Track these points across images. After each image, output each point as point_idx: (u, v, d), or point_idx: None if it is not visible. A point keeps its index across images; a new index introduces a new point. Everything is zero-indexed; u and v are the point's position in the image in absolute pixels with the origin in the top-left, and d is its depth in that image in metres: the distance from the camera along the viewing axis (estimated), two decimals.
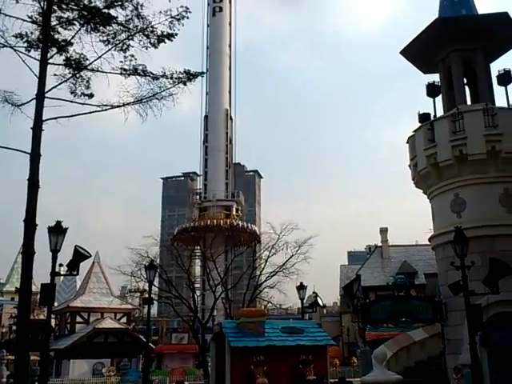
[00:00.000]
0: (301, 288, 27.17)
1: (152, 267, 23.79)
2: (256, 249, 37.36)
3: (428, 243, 22.03)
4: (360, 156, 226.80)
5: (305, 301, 28.48)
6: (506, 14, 19.94)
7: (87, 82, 16.39)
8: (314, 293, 33.83)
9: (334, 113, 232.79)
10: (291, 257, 30.33)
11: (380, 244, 46.50)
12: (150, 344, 34.10)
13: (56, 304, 38.54)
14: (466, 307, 15.31)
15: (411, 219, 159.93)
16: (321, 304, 32.88)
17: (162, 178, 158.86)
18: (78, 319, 39.23)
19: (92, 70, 16.18)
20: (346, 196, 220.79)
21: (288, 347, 15.40)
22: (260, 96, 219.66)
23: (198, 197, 62.29)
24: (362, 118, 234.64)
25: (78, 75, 16.23)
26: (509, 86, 20.57)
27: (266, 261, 31.69)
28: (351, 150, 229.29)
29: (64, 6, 15.80)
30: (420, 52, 21.52)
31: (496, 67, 21.36)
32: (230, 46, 63.69)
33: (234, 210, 59.38)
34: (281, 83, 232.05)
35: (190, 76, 16.63)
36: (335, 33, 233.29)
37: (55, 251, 14.10)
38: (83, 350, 36.05)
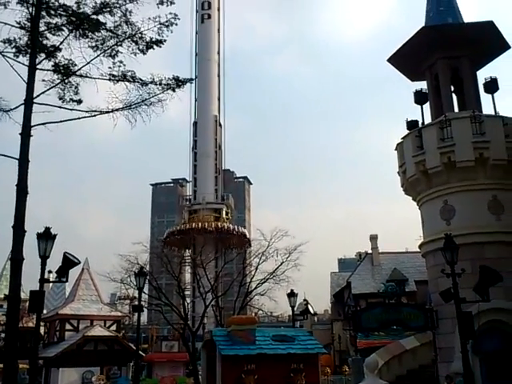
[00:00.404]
0: (291, 295, 27.02)
1: (142, 274, 23.56)
2: (246, 255, 37.23)
3: (418, 250, 22.03)
4: (349, 162, 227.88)
5: (296, 308, 28.34)
6: (492, 22, 20.10)
7: (76, 87, 16.29)
8: (304, 300, 33.64)
9: (324, 119, 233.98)
10: (281, 264, 30.19)
11: (370, 251, 46.46)
12: (140, 352, 33.71)
13: (45, 311, 38.02)
14: (457, 315, 15.26)
15: (401, 226, 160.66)
16: (312, 312, 32.69)
17: (152, 184, 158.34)
18: (68, 327, 38.71)
19: (81, 76, 16.07)
20: (336, 203, 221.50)
21: (279, 355, 15.22)
22: (249, 103, 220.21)
23: (187, 200, 62.35)
24: (351, 124, 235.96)
25: (66, 81, 16.12)
26: (495, 94, 20.71)
27: (257, 268, 31.54)
28: (340, 156, 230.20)
29: (52, 12, 15.68)
30: (407, 60, 21.62)
31: (483, 75, 21.56)
32: (218, 53, 63.78)
33: (224, 212, 59.46)
34: (270, 90, 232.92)
35: (178, 82, 16.57)
36: (324, 40, 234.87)
37: (44, 258, 13.90)
38: (72, 358, 35.55)
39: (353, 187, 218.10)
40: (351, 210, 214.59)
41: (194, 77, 55.95)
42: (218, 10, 65.10)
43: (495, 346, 17.24)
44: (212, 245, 50.67)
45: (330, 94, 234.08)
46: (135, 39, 16.18)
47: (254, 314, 36.48)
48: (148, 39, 16.26)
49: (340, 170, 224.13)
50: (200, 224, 55.60)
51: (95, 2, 15.81)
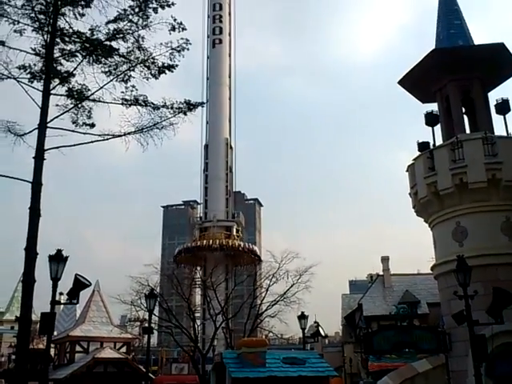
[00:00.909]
0: (302, 317, 26.80)
1: (152, 296, 23.54)
2: (257, 277, 37.05)
3: (430, 272, 21.80)
4: (361, 184, 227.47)
5: (306, 330, 28.08)
6: (503, 44, 20.15)
7: (89, 112, 16.53)
8: (315, 322, 33.39)
9: (336, 141, 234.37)
10: (292, 286, 30.11)
11: (381, 273, 46.08)
12: (150, 374, 33.47)
13: (55, 333, 38.03)
14: (470, 338, 15.04)
15: (413, 248, 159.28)
16: (322, 334, 32.37)
17: (163, 207, 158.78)
18: (78, 348, 38.61)
19: (94, 101, 16.32)
20: (347, 224, 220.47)
21: (290, 378, 15.09)
22: (260, 124, 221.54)
23: (198, 219, 62.70)
24: (364, 145, 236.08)
25: (79, 105, 16.37)
26: (507, 115, 20.67)
27: (267, 290, 31.44)
28: (352, 177, 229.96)
29: (67, 39, 16.00)
30: (417, 82, 21.68)
31: (494, 96, 21.53)
32: (229, 77, 64.42)
33: (235, 230, 59.52)
34: (280, 112, 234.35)
35: (190, 106, 16.75)
36: (334, 63, 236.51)
37: (55, 280, 13.97)
38: (82, 380, 35.34)
39: (364, 209, 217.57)
40: (362, 231, 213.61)
41: (205, 100, 56.62)
42: (229, 34, 65.96)
43: (509, 370, 16.91)
44: (222, 263, 50.82)
45: (341, 115, 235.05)
46: (147, 64, 16.44)
47: (264, 337, 36.25)
48: (160, 64, 16.52)
49: (351, 191, 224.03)
50: (211, 241, 55.83)
51: (108, 29, 16.14)
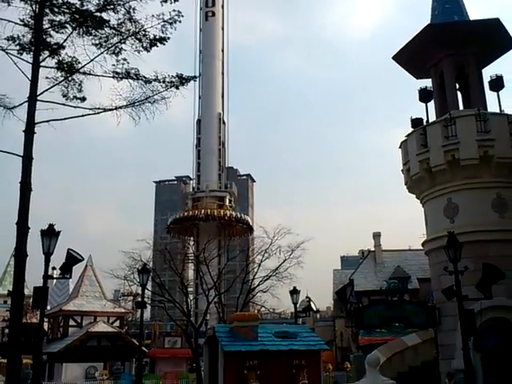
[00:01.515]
0: (294, 292, 27.03)
1: (145, 271, 23.61)
2: (249, 253, 37.20)
3: (421, 248, 22.00)
4: (355, 161, 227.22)
5: (298, 305, 28.34)
6: (498, 20, 20.00)
7: (79, 85, 16.33)
8: (307, 297, 33.63)
9: (330, 117, 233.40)
10: (284, 261, 30.18)
11: (373, 249, 46.44)
12: (143, 348, 33.81)
13: (49, 307, 38.21)
14: (459, 312, 15.25)
15: (405, 224, 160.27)
16: (314, 309, 32.72)
17: (155, 182, 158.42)
18: (71, 323, 38.93)
19: (84, 74, 16.11)
20: (340, 201, 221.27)
21: (281, 352, 15.29)
22: (253, 100, 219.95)
23: (191, 189, 63.34)
24: (357, 122, 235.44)
25: (70, 78, 16.16)
26: (501, 92, 20.64)
27: (259, 265, 31.54)
28: (346, 154, 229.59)
29: (56, 10, 15.70)
30: (412, 57, 21.55)
31: (488, 73, 21.47)
32: (222, 51, 63.84)
33: (227, 200, 60.23)
34: (275, 88, 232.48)
35: (182, 80, 16.58)
36: (329, 38, 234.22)
37: (48, 254, 13.97)
38: (76, 353, 35.72)
39: (357, 186, 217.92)
40: (357, 210, 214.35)
41: (197, 74, 56.08)
42: (222, 7, 65.12)
43: (497, 344, 17.23)
44: (215, 235, 51.42)
45: (336, 92, 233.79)
46: (139, 37, 16.20)
47: (256, 311, 36.50)
48: (152, 37, 16.28)
49: (345, 168, 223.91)
50: (203, 211, 56.41)
51: (99, 0, 15.84)
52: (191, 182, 65.35)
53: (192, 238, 55.87)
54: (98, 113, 15.83)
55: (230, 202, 60.87)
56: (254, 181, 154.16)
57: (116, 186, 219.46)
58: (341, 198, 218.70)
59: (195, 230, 55.62)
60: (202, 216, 55.93)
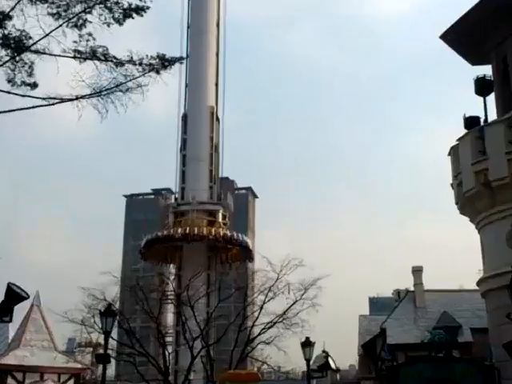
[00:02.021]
0: (307, 345, 26.99)
1: (110, 314, 23.66)
2: (248, 291, 37.20)
3: (476, 288, 21.95)
4: (386, 172, 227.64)
5: (312, 362, 28.32)
6: None
7: (30, 67, 16.43)
8: (323, 352, 33.65)
9: (352, 113, 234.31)
10: (294, 303, 30.31)
11: (412, 288, 46.38)
12: None
13: None
14: None
15: (454, 256, 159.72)
16: (333, 367, 32.73)
17: (126, 196, 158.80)
18: (10, 381, 38.84)
19: (36, 52, 16.21)
20: (368, 223, 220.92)
21: None
22: (258, 91, 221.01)
23: (173, 199, 62.82)
24: (387, 122, 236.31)
25: (18, 58, 16.27)
26: None
27: (261, 307, 31.65)
28: (375, 163, 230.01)
29: None
30: (466, 37, 21.68)
31: None
32: (217, 25, 64.15)
33: (220, 216, 59.31)
34: (286, 74, 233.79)
35: (164, 62, 16.71)
36: (352, 12, 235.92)
37: None
38: None
39: (391, 204, 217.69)
40: (388, 234, 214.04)
41: (184, 55, 56.40)
42: None
43: None
44: (203, 259, 51.39)
45: (359, 80, 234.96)
46: (109, 5, 16.35)
47: (256, 369, 36.48)
48: (126, 5, 16.43)
49: (373, 181, 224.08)
50: (188, 229, 55.78)
51: None
52: (173, 196, 65.08)
53: (173, 267, 55.85)
54: (54, 104, 15.93)
55: (224, 217, 60.11)
56: (255, 196, 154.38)
57: (73, 201, 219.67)
58: (370, 221, 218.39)
59: (177, 255, 55.31)
60: (186, 234, 54.99)
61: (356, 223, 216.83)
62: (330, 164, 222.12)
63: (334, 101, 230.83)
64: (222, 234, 56.78)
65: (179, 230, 56.02)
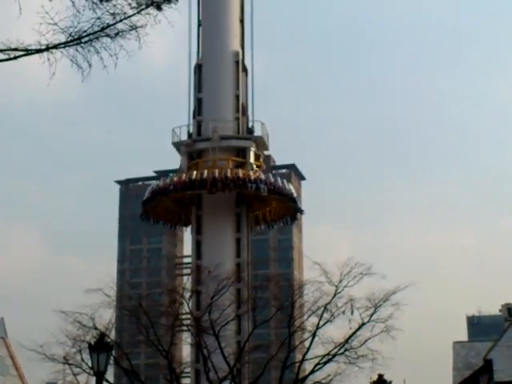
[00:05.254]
0: None
1: (103, 347, 23.93)
2: (295, 311, 37.17)
3: None
4: (490, 137, 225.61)
5: None
6: None
7: None
8: None
9: (438, 58, 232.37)
10: (361, 327, 30.31)
11: None
12: None
13: None
14: None
15: None
16: None
17: (119, 182, 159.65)
18: None
19: None
20: (462, 215, 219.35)
21: None
22: (299, 31, 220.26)
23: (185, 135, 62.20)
24: (494, 69, 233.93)
25: None
26: None
27: (314, 334, 31.75)
28: (473, 127, 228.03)
29: None
30: None
31: None
32: None
33: (252, 155, 59.49)
34: (339, 9, 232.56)
35: None
36: None
37: None
38: None
39: (489, 189, 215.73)
40: (486, 230, 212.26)
41: None
42: None
43: None
44: (230, 217, 51.65)
45: (453, 15, 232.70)
46: None
47: None
48: None
49: (467, 158, 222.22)
50: (207, 172, 55.76)
51: None
52: (186, 131, 63.94)
53: (190, 250, 55.25)
54: (17, 57, 16.10)
55: (258, 158, 59.69)
56: (302, 177, 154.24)
57: (50, 191, 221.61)
58: (462, 211, 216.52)
59: (194, 213, 54.82)
60: (203, 180, 54.14)
61: (446, 215, 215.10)
62: (413, 128, 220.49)
63: (410, 33, 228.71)
64: (254, 177, 56.50)
65: (194, 174, 55.83)
